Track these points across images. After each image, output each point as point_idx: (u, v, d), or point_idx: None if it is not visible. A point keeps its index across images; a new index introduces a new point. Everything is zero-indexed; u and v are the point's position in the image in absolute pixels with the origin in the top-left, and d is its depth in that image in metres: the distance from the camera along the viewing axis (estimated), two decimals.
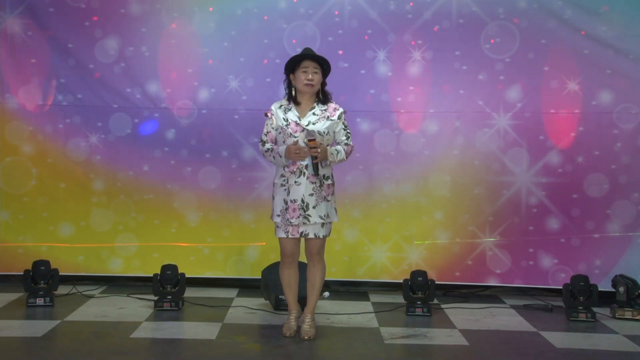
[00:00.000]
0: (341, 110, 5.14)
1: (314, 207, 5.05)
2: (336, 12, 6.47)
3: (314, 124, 5.04)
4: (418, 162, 6.53)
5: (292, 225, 5.07)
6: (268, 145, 5.13)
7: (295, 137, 5.05)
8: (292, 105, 5.13)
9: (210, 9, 6.52)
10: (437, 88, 6.49)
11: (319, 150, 4.96)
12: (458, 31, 6.43)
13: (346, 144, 5.15)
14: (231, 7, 6.52)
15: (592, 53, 6.33)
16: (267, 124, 5.17)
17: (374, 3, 6.46)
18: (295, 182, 5.06)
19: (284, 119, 5.09)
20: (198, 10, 6.53)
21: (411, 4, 6.45)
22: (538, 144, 6.44)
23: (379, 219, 6.57)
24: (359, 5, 6.47)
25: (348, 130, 5.17)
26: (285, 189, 5.09)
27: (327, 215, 5.10)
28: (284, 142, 5.08)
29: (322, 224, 5.09)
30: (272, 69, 6.49)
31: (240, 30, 6.53)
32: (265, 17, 6.51)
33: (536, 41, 6.38)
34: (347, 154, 5.15)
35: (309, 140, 4.96)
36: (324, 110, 5.09)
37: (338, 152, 5.07)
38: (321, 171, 5.07)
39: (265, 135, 5.17)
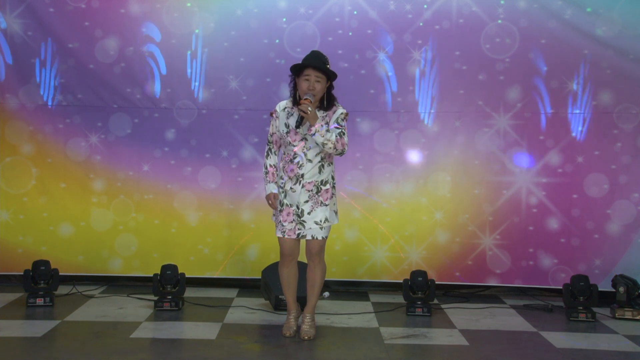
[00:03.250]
0: (340, 111, 5.04)
1: (309, 214, 5.03)
2: (336, 12, 6.47)
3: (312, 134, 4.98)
4: (418, 162, 6.53)
5: (287, 228, 5.08)
6: (270, 161, 5.12)
7: (294, 145, 5.03)
8: (295, 108, 5.06)
9: (211, 9, 6.52)
10: (437, 88, 6.49)
11: (309, 108, 4.87)
12: (458, 31, 6.43)
13: (338, 134, 4.95)
14: (231, 7, 6.52)
15: (592, 53, 6.34)
16: (272, 125, 5.14)
17: (374, 3, 6.46)
18: (291, 188, 5.05)
19: (285, 125, 5.07)
20: (198, 10, 6.53)
21: (411, 4, 6.45)
22: (538, 144, 6.44)
23: (379, 219, 6.57)
24: (359, 5, 6.47)
25: (343, 130, 4.97)
26: (283, 192, 5.09)
27: (326, 220, 5.05)
28: (285, 147, 5.08)
29: (320, 228, 5.07)
30: (272, 69, 6.49)
31: (240, 30, 6.53)
32: (265, 17, 6.51)
33: (536, 41, 6.38)
34: (336, 142, 4.90)
35: (305, 99, 4.91)
36: (324, 116, 5.02)
37: (327, 130, 4.91)
38: (318, 177, 5.04)
39: (271, 136, 5.15)
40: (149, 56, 6.51)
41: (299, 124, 4.95)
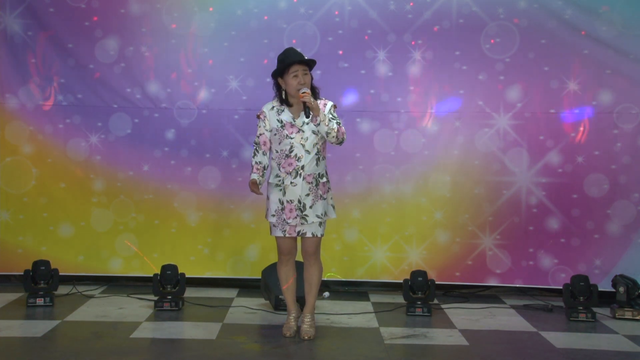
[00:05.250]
0: (330, 103, 5.11)
1: (310, 207, 5.06)
2: (336, 12, 6.47)
3: (307, 124, 5.04)
4: (418, 162, 6.53)
5: (289, 225, 5.08)
6: (256, 159, 5.13)
7: (292, 137, 5.05)
8: (284, 106, 5.11)
9: (210, 9, 6.53)
10: (437, 88, 6.49)
11: (311, 98, 4.93)
12: (458, 31, 6.43)
13: (336, 124, 5.04)
14: (231, 7, 6.52)
15: (592, 53, 6.34)
16: (259, 126, 5.16)
17: (374, 3, 6.46)
18: (291, 182, 5.06)
19: (278, 121, 5.09)
20: (198, 10, 6.53)
21: (411, 4, 6.45)
22: (538, 144, 6.44)
23: (379, 219, 6.57)
24: (359, 5, 6.47)
25: (338, 121, 5.05)
26: (281, 189, 5.09)
27: (325, 214, 5.11)
28: (279, 143, 5.07)
29: (320, 223, 5.10)
30: (272, 69, 6.44)
31: (240, 30, 6.53)
32: (265, 17, 6.51)
33: (536, 41, 6.38)
34: (338, 130, 4.99)
35: (303, 92, 4.95)
36: None
37: (329, 119, 4.99)
38: (316, 169, 5.06)
39: (258, 137, 5.16)
40: (149, 56, 6.50)
41: (308, 114, 5.00)
